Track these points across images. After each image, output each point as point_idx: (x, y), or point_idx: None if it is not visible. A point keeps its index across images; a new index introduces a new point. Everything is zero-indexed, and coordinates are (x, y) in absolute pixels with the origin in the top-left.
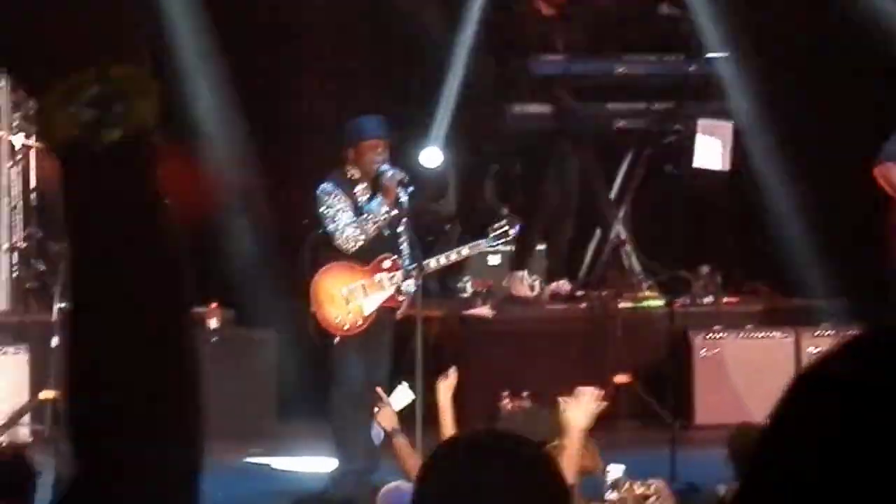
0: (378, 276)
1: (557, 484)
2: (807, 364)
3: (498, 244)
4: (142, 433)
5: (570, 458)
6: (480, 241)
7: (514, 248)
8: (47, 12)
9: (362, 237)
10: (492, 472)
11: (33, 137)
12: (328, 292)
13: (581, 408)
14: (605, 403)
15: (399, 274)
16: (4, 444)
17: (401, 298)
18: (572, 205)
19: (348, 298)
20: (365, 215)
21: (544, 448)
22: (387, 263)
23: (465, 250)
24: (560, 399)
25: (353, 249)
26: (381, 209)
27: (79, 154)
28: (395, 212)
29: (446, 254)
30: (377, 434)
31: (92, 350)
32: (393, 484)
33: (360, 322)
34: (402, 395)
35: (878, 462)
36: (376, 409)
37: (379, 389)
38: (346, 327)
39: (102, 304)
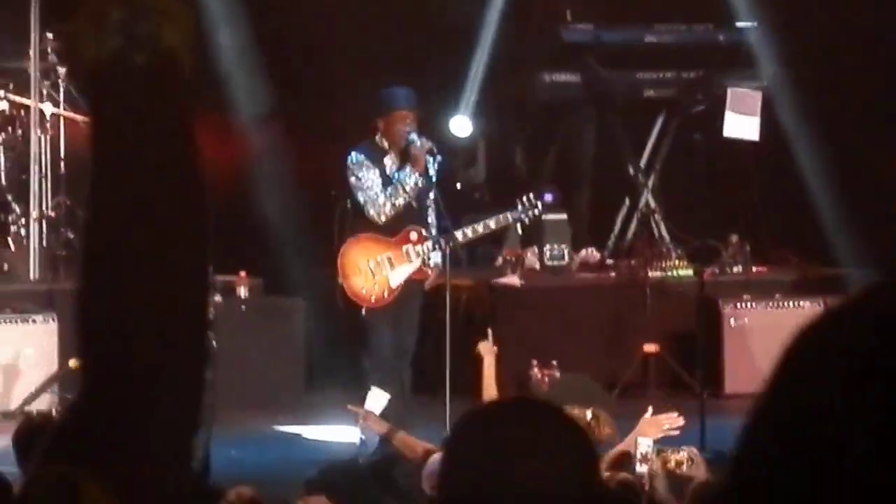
0: (405, 248)
1: (587, 451)
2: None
3: (526, 217)
4: (148, 383)
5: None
6: (509, 214)
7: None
8: None
9: (392, 208)
10: (522, 437)
11: (62, 107)
12: (355, 264)
13: (655, 427)
14: (677, 431)
15: (426, 246)
16: (35, 413)
17: (428, 271)
18: (588, 172)
19: (374, 271)
20: (394, 185)
21: (574, 416)
22: (413, 235)
23: (492, 223)
24: (641, 421)
25: (383, 220)
26: (410, 179)
27: (107, 77)
28: (423, 182)
29: (474, 226)
30: (372, 440)
31: (107, 280)
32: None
33: (386, 294)
34: (377, 399)
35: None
36: (360, 423)
37: (350, 406)
38: (372, 299)
39: (122, 232)
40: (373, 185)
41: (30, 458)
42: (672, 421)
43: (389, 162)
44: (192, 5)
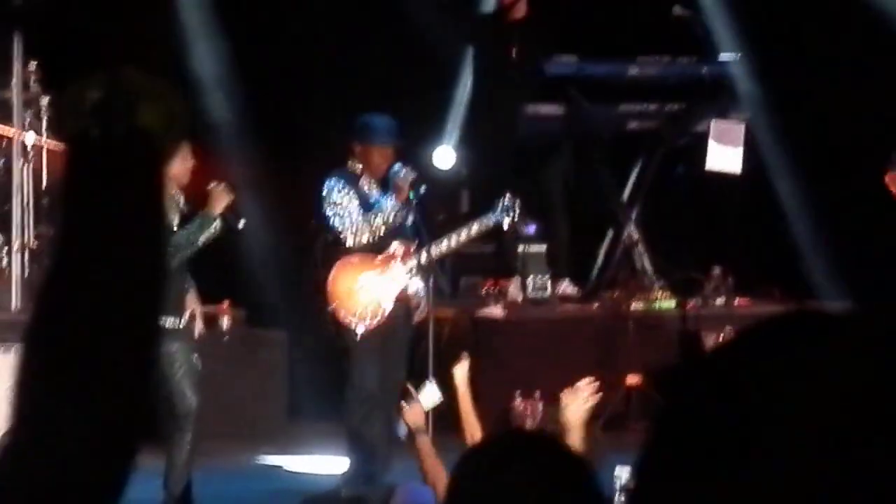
0: (391, 265)
1: (590, 482)
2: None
3: (505, 218)
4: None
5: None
6: (489, 216)
7: (546, 249)
8: (84, 16)
9: (369, 234)
10: (523, 473)
11: (45, 136)
12: (345, 287)
13: (579, 402)
14: (600, 394)
15: (412, 261)
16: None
17: (415, 300)
18: (564, 203)
19: (366, 290)
20: (374, 211)
21: (570, 449)
22: (400, 250)
23: (474, 227)
24: (561, 395)
25: (361, 245)
26: (392, 207)
27: (83, 144)
28: (404, 211)
29: (456, 232)
30: (402, 430)
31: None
32: (409, 484)
33: (380, 312)
34: (431, 394)
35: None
36: (405, 405)
37: (409, 386)
38: (367, 318)
39: (74, 298)
40: (349, 210)
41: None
42: (588, 386)
43: (367, 185)
44: (175, 88)
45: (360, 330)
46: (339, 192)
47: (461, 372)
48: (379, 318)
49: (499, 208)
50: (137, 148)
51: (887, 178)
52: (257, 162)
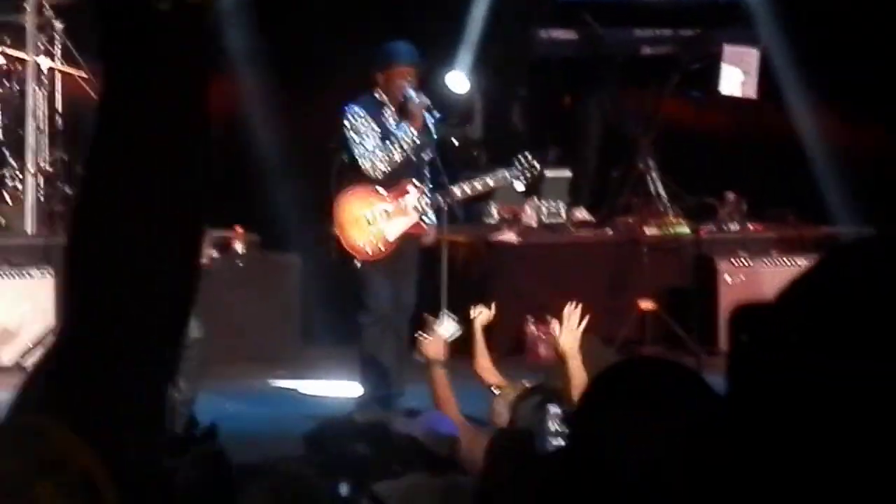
0: (402, 200)
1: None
2: None
3: (523, 176)
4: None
5: (578, 379)
6: (505, 173)
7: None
8: None
9: (388, 162)
10: (654, 391)
11: (59, 61)
12: (352, 215)
13: (569, 329)
14: (587, 317)
15: (423, 199)
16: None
17: (424, 226)
18: (596, 134)
19: (371, 222)
20: (392, 140)
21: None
22: (411, 188)
23: (490, 181)
24: (551, 326)
25: (379, 174)
26: (408, 134)
27: (133, 15)
28: (422, 138)
29: (471, 182)
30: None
31: (98, 227)
32: (433, 412)
33: (382, 247)
34: (449, 326)
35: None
36: (423, 337)
37: (428, 317)
38: (368, 251)
39: (119, 181)
40: (370, 138)
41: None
42: (574, 312)
43: (389, 116)
44: None
45: (357, 262)
46: (360, 119)
47: (480, 321)
48: (381, 252)
49: (516, 168)
50: (188, 23)
51: None
52: (275, 87)
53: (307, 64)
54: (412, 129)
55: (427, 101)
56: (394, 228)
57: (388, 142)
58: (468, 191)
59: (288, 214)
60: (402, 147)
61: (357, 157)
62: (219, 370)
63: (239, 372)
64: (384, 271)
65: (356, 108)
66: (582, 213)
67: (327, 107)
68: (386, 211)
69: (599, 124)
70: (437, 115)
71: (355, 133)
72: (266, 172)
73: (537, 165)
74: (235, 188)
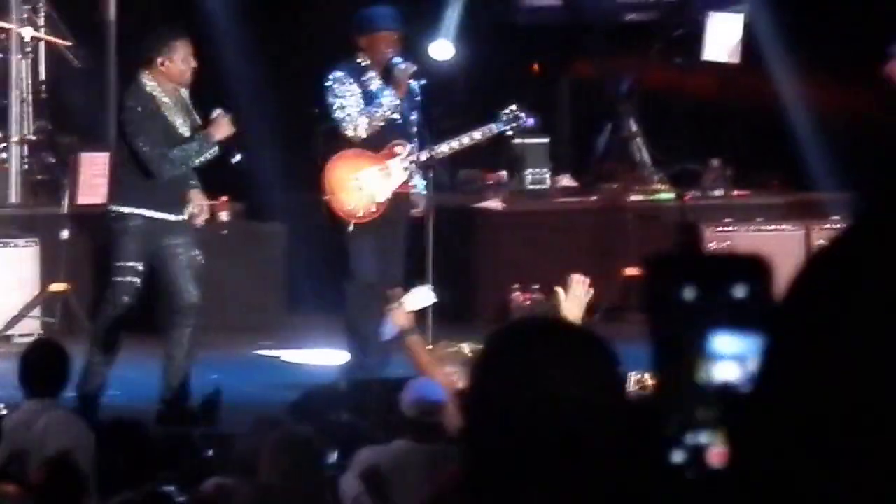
0: (390, 161)
1: (615, 363)
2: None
3: (508, 128)
4: None
5: None
6: (491, 125)
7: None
8: None
9: (368, 125)
10: (552, 351)
11: (42, 30)
12: (341, 179)
13: (574, 297)
14: (592, 290)
15: (412, 160)
16: (41, 336)
17: (413, 191)
18: (565, 100)
19: (361, 185)
20: (375, 105)
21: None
22: (399, 149)
23: (476, 134)
24: (556, 290)
25: (361, 136)
26: (392, 101)
27: None
28: (407, 103)
29: (458, 138)
30: (390, 331)
31: None
32: (420, 379)
33: (373, 209)
34: (423, 296)
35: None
36: (393, 306)
37: (399, 289)
38: (359, 214)
39: None
40: (351, 102)
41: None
42: (582, 281)
43: (372, 80)
44: None
45: (350, 226)
46: (343, 83)
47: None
48: (373, 213)
49: (503, 118)
50: None
51: (888, 69)
52: (257, 55)
53: (289, 30)
54: (397, 94)
55: (413, 68)
56: (384, 189)
57: (371, 106)
58: (455, 146)
59: (272, 183)
60: (386, 111)
61: (339, 122)
62: (204, 339)
63: (224, 341)
64: (373, 242)
65: (338, 73)
66: (566, 180)
67: (310, 73)
68: (375, 172)
69: (568, 91)
70: (423, 81)
71: (336, 97)
72: (250, 141)
73: (523, 116)
74: (220, 158)
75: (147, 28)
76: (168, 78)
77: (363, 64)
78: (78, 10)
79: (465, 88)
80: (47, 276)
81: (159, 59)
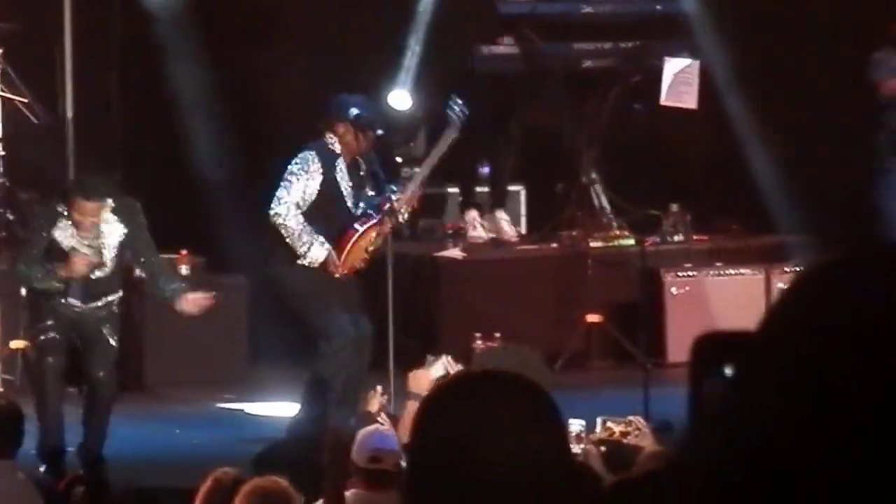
0: (350, 242)
1: (557, 420)
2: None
3: (459, 121)
4: None
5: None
6: (446, 132)
7: (489, 191)
8: None
9: (292, 220)
10: (491, 406)
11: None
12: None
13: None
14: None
15: (370, 224)
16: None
17: (387, 227)
18: (517, 149)
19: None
20: (338, 194)
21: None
22: (357, 226)
23: (438, 152)
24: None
25: (277, 223)
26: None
27: None
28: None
29: (426, 163)
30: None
31: None
32: (372, 427)
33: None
34: (440, 368)
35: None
36: (415, 371)
37: (429, 356)
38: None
39: None
40: (303, 187)
41: None
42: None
43: (341, 167)
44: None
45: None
46: (307, 170)
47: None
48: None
49: (452, 119)
50: None
51: (881, 87)
52: (221, 110)
53: (246, 84)
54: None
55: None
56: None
57: (331, 193)
58: (427, 171)
59: (234, 236)
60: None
61: (278, 198)
62: (166, 393)
63: (187, 395)
64: (338, 300)
65: (310, 156)
66: (508, 228)
67: (272, 128)
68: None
69: (518, 138)
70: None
71: (295, 176)
72: (212, 194)
73: (465, 109)
74: (181, 210)
75: (105, 85)
76: None
77: (336, 150)
78: (34, 67)
79: (424, 137)
80: (7, 333)
81: None
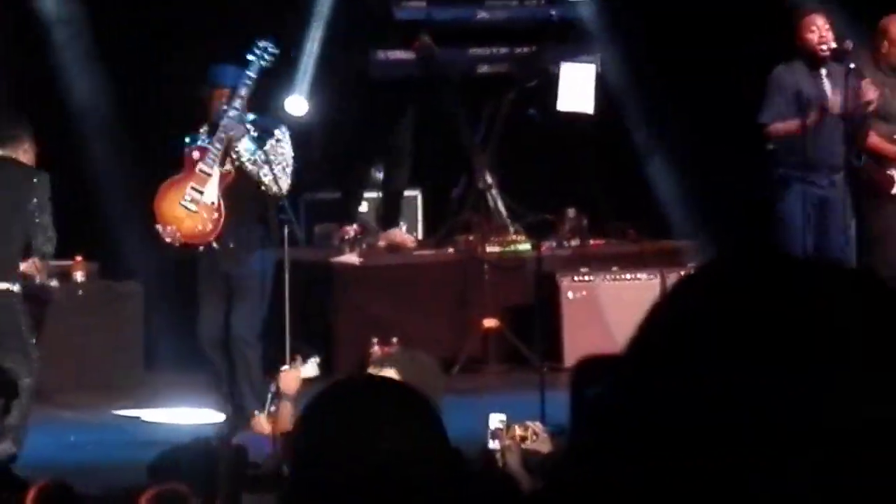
0: (197, 168)
1: (438, 426)
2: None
3: (264, 61)
4: None
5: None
6: (247, 72)
7: (382, 196)
8: None
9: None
10: (372, 415)
11: None
12: (172, 213)
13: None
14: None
15: (210, 155)
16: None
17: (231, 169)
18: (408, 149)
19: (192, 205)
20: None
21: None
22: (196, 154)
23: (242, 94)
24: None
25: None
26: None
27: None
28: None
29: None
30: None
31: None
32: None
33: (215, 214)
34: (310, 369)
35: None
36: (284, 368)
37: (299, 357)
38: (209, 228)
39: None
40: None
41: None
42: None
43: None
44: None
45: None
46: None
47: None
48: (217, 218)
49: (256, 60)
50: None
51: (870, 141)
52: (115, 118)
53: (146, 88)
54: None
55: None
56: (210, 193)
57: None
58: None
59: (128, 242)
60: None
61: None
62: (61, 399)
63: (82, 401)
64: (216, 299)
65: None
66: (403, 235)
67: (168, 133)
68: (193, 187)
69: (408, 145)
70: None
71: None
72: (106, 201)
73: (272, 48)
74: (75, 217)
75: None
76: None
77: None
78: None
79: (320, 143)
80: None
81: None
